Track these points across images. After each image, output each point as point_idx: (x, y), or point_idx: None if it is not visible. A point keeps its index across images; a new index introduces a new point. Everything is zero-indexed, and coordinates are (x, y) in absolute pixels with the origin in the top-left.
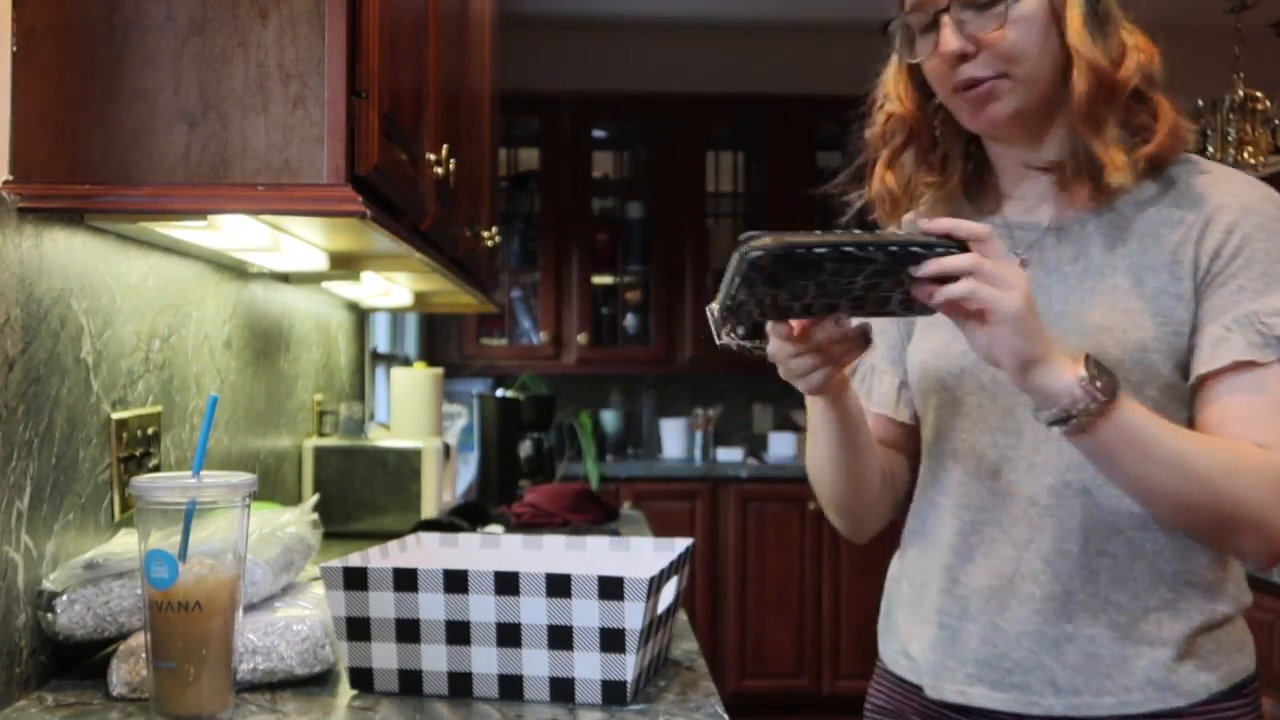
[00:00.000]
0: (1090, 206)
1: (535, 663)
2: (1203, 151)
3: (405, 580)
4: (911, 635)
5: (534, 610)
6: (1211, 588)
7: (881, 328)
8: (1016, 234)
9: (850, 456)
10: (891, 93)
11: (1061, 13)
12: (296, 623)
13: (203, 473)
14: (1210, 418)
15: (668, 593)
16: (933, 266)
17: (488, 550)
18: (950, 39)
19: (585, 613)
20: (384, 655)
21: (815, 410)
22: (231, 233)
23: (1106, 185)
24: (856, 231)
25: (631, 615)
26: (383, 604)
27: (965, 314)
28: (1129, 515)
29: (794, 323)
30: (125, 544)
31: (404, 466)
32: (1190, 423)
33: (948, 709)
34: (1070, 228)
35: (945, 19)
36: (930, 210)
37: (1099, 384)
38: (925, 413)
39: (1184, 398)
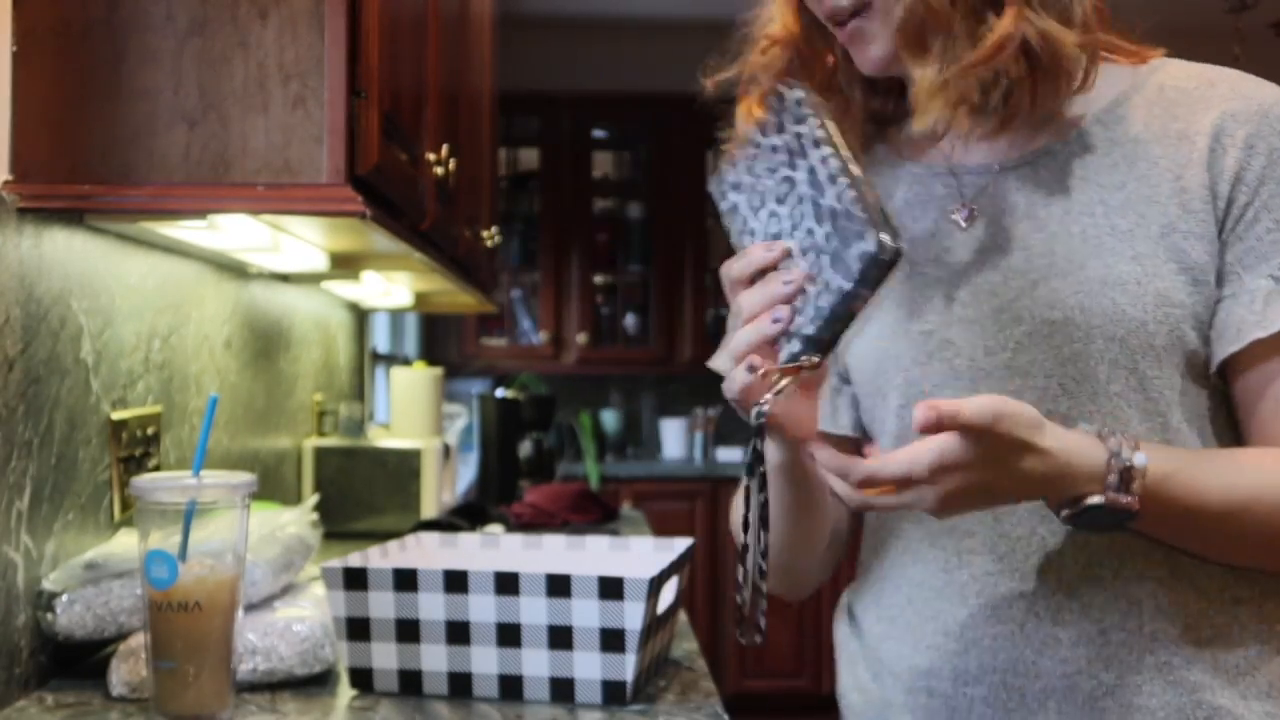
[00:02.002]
0: (1051, 131)
1: (535, 663)
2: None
3: (405, 580)
4: (884, 709)
5: (534, 610)
6: (1271, 598)
7: None
8: (966, 179)
9: (801, 518)
10: (772, 14)
11: None
12: (296, 623)
13: (203, 473)
14: (1253, 410)
15: (668, 593)
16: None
17: (488, 550)
18: None
19: (585, 613)
20: (384, 655)
21: (768, 457)
22: (231, 233)
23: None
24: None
25: (631, 615)
26: (383, 604)
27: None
28: None
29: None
30: (125, 544)
31: (404, 466)
32: (1215, 404)
33: None
34: (1035, 162)
35: None
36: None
37: (1127, 487)
38: (882, 419)
39: (1206, 371)
